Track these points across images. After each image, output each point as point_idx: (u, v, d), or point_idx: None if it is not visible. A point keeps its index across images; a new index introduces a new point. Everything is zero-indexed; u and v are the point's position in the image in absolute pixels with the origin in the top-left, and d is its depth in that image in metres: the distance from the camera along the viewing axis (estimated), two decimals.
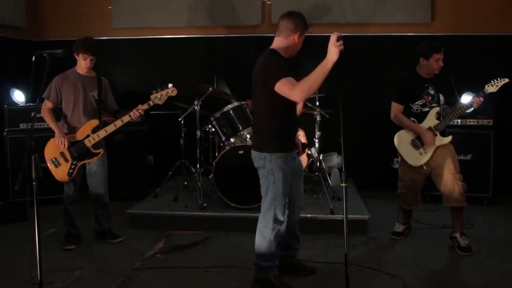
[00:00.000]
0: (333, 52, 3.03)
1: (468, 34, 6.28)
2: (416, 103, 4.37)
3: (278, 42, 3.45)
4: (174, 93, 4.37)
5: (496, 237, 4.68)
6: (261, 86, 3.36)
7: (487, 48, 6.29)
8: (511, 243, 4.50)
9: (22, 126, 5.74)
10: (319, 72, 3.09)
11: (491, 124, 5.75)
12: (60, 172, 4.37)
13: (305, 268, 3.88)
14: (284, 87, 3.20)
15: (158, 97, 4.35)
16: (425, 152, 4.34)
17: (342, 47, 3.02)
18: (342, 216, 3.04)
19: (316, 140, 5.52)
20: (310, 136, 5.69)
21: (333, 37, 3.05)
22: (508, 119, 6.09)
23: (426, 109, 4.37)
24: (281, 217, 3.47)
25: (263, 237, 3.48)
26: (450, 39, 6.22)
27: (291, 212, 3.67)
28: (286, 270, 3.77)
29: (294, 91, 3.17)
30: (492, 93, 4.16)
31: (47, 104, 4.42)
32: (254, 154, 3.50)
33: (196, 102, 5.40)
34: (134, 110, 4.33)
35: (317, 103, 5.54)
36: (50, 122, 4.39)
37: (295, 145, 3.60)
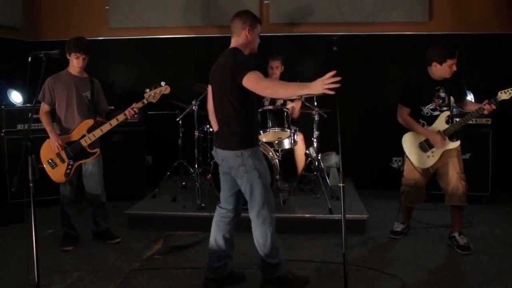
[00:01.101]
0: (316, 88, 2.95)
1: (466, 33, 6.28)
2: (427, 106, 4.32)
3: (234, 42, 3.46)
4: (168, 91, 4.38)
5: (495, 236, 4.67)
6: (229, 84, 3.30)
7: (484, 47, 6.30)
8: (510, 242, 4.49)
9: (20, 126, 5.72)
10: (293, 89, 3.12)
11: (490, 123, 5.75)
12: (57, 173, 4.36)
13: (235, 276, 3.77)
14: (251, 80, 3.17)
15: (152, 95, 4.34)
16: (433, 155, 4.32)
17: (328, 91, 2.91)
18: (341, 215, 3.03)
19: (315, 140, 5.51)
20: (308, 135, 5.68)
21: (328, 75, 2.92)
22: (507, 118, 6.08)
23: (437, 112, 4.32)
24: (272, 208, 3.48)
25: (265, 234, 3.45)
26: (448, 38, 6.21)
27: (236, 216, 3.66)
28: (222, 283, 3.65)
29: (262, 84, 3.17)
30: (504, 100, 4.08)
31: (44, 107, 4.41)
32: (227, 153, 3.41)
33: (193, 102, 5.39)
34: (128, 109, 4.32)
35: (315, 102, 5.53)
36: (46, 125, 4.37)
37: None
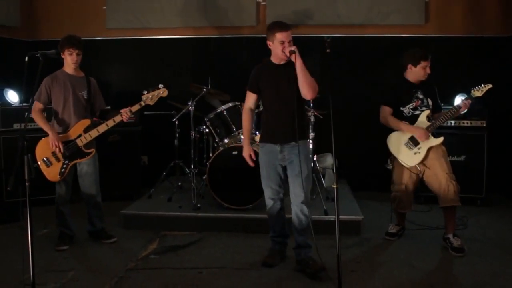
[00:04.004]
0: None
1: (461, 36, 6.32)
2: (407, 106, 4.46)
3: None
4: (165, 93, 4.41)
5: (489, 238, 4.70)
6: None
7: (480, 49, 6.33)
8: (504, 244, 4.52)
9: (16, 126, 5.71)
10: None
11: (484, 125, 5.77)
12: (52, 172, 4.36)
13: (309, 265, 3.87)
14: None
15: (150, 97, 4.37)
16: (419, 152, 4.37)
17: None
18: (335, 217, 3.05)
19: (310, 141, 5.52)
20: None
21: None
22: (501, 120, 6.12)
23: (417, 112, 4.44)
24: (267, 196, 4.05)
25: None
26: (444, 41, 6.25)
27: (295, 205, 3.97)
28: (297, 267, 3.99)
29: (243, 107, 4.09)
30: (478, 97, 4.33)
31: (37, 105, 4.39)
32: None
33: (190, 103, 5.40)
34: (126, 111, 4.33)
35: (311, 104, 5.54)
36: (42, 124, 4.36)
37: (278, 138, 3.90)
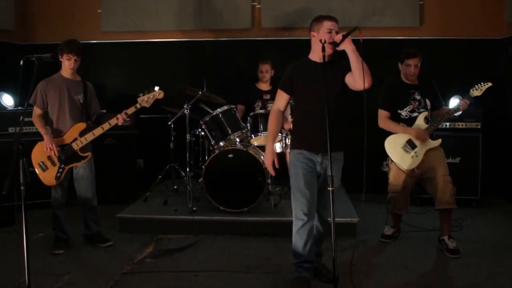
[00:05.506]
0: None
1: (456, 38, 6.34)
2: (405, 109, 4.45)
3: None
4: (161, 96, 4.42)
5: (485, 239, 4.71)
6: None
7: (474, 51, 6.36)
8: (499, 245, 4.53)
9: (11, 130, 5.70)
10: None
11: (479, 127, 5.80)
12: (48, 176, 4.35)
13: (323, 274, 3.81)
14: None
15: (145, 100, 4.37)
16: (417, 156, 4.37)
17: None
18: (330, 219, 3.06)
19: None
20: None
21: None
22: (496, 122, 6.15)
23: (415, 114, 4.44)
24: (299, 213, 3.49)
25: (293, 234, 3.56)
26: (438, 43, 6.28)
27: (319, 216, 3.71)
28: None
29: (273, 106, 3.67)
30: (477, 96, 4.33)
31: (37, 110, 4.40)
32: None
33: (185, 106, 5.39)
34: (122, 113, 4.33)
35: None
36: (40, 128, 4.36)
37: (319, 146, 3.51)
